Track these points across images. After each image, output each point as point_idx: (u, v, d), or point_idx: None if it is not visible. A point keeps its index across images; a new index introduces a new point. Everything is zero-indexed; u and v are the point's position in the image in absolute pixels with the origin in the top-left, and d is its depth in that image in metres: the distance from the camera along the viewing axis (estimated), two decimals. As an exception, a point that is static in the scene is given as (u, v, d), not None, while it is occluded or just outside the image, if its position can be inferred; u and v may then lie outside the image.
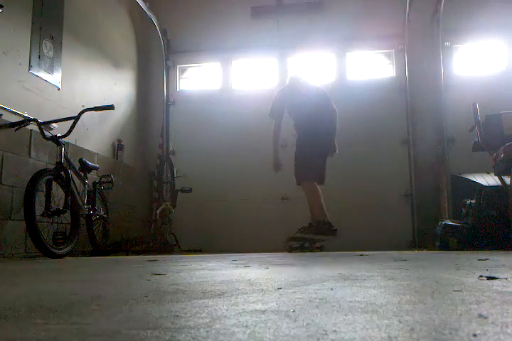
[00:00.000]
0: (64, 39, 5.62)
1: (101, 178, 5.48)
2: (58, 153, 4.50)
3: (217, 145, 7.53)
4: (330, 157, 5.43)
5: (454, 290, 1.28)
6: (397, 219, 6.97)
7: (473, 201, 5.33)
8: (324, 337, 0.73)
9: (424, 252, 4.84)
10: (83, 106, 5.55)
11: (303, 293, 1.29)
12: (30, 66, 5.00)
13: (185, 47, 8.00)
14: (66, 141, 4.95)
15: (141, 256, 4.93)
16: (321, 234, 5.08)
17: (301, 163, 5.30)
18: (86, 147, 5.94)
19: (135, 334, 0.77)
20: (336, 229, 5.11)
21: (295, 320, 0.87)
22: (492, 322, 0.81)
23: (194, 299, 1.21)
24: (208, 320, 0.89)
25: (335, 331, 0.76)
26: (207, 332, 0.78)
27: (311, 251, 5.15)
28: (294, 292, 1.32)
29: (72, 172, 4.61)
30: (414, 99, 7.24)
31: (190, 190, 6.75)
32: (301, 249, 5.25)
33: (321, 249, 5.40)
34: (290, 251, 5.18)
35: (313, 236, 5.15)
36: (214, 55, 7.96)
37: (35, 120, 4.50)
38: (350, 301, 1.11)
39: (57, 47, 5.50)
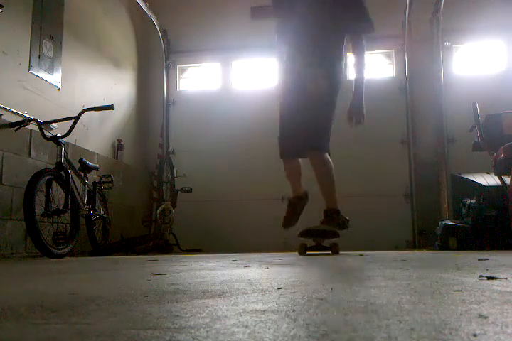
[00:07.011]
0: (64, 39, 5.62)
1: (101, 178, 5.48)
2: (58, 153, 4.51)
3: (217, 145, 7.52)
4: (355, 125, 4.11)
5: (454, 290, 1.28)
6: (397, 219, 6.96)
7: (473, 201, 5.32)
8: (324, 337, 0.72)
9: (424, 252, 4.84)
10: (83, 106, 5.55)
11: (303, 293, 1.28)
12: (30, 66, 5.00)
13: (185, 47, 8.00)
14: (66, 141, 4.95)
15: (141, 256, 4.93)
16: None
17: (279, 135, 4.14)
18: (86, 147, 5.94)
19: (135, 334, 0.77)
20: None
21: (295, 320, 0.87)
22: (492, 322, 0.81)
23: (194, 299, 1.21)
24: (208, 320, 0.89)
25: (335, 331, 0.76)
26: (207, 332, 0.78)
27: None
28: (294, 292, 1.32)
29: (72, 172, 4.61)
30: (414, 99, 7.24)
31: (190, 190, 6.75)
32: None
33: None
34: None
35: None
36: (214, 55, 7.96)
37: (35, 120, 4.50)
38: (350, 301, 1.11)
39: (57, 47, 5.50)
